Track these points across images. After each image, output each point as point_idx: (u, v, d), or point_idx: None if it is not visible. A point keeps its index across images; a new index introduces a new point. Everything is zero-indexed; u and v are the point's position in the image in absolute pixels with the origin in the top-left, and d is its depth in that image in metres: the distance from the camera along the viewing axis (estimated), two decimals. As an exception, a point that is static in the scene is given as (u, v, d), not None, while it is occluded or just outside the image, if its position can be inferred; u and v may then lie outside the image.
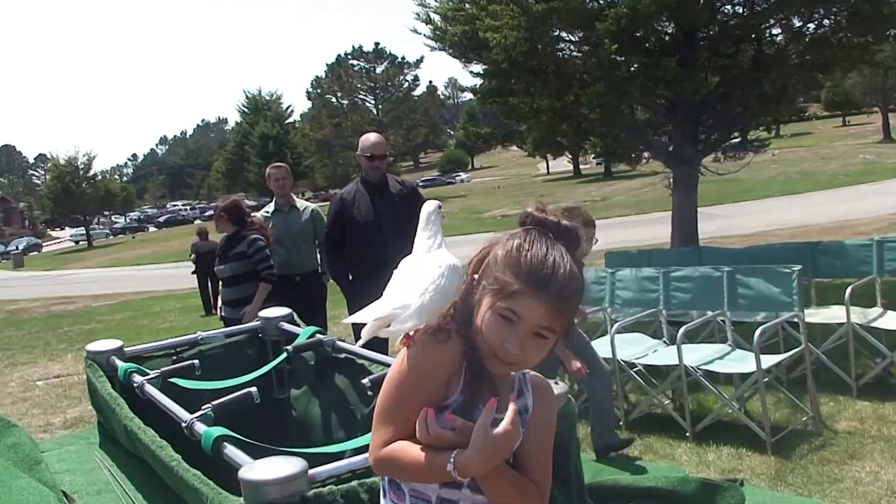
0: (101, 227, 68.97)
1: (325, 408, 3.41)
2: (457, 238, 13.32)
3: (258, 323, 3.92)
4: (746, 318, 5.09)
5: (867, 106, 52.30)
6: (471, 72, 9.11)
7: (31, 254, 52.67)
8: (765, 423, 4.09)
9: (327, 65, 70.41)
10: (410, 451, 1.33)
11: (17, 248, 50.29)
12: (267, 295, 5.00)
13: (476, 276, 1.38)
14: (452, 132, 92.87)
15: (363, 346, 2.54)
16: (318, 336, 3.48)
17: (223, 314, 5.28)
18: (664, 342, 5.03)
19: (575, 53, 8.40)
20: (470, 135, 68.47)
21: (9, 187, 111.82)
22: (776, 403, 4.59)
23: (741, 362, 4.45)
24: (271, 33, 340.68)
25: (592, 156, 44.23)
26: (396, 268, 1.50)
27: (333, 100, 68.28)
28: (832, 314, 5.18)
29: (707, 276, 5.07)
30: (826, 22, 7.64)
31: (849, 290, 4.84)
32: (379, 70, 67.52)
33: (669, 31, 7.97)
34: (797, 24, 7.95)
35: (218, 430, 2.32)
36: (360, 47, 68.29)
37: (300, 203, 5.95)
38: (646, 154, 9.95)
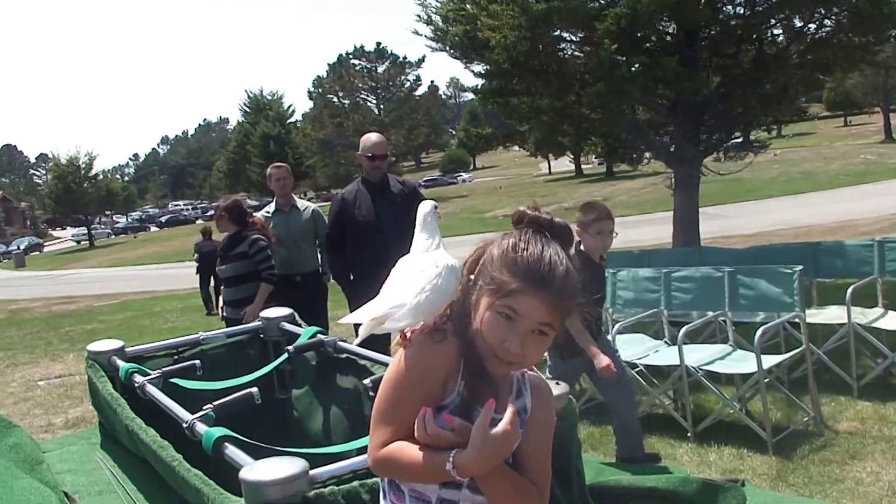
0: (102, 226, 69.04)
1: (326, 408, 3.41)
2: (458, 238, 13.32)
3: (259, 323, 3.92)
4: (747, 318, 5.09)
5: (868, 106, 52.24)
6: (472, 72, 9.12)
7: (33, 253, 52.73)
8: (766, 424, 4.09)
9: (329, 64, 70.46)
10: (409, 451, 1.33)
11: (19, 248, 50.38)
12: (268, 295, 5.01)
13: (472, 277, 1.38)
14: (454, 132, 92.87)
15: (362, 346, 2.55)
16: (320, 336, 3.48)
17: (225, 314, 5.29)
18: (665, 342, 5.03)
19: (576, 53, 8.40)
20: (471, 135, 68.72)
21: (10, 187, 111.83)
22: (777, 404, 4.59)
23: (742, 362, 4.45)
24: (273, 33, 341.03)
25: (594, 156, 44.23)
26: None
27: (335, 99, 68.26)
28: (833, 314, 5.18)
29: (708, 276, 5.07)
30: (827, 22, 7.64)
31: (850, 291, 4.84)
32: (380, 70, 67.48)
33: (670, 31, 7.97)
34: (798, 24, 7.95)
35: (219, 431, 2.32)
36: (362, 47, 68.31)
37: (301, 203, 5.95)
38: (647, 154, 9.95)
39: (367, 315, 1.41)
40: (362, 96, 68.67)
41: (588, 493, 2.67)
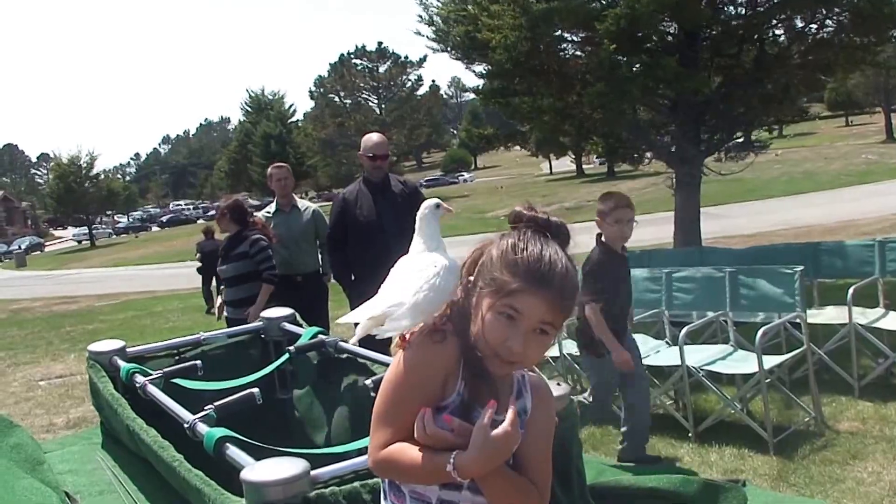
0: (103, 226, 69.03)
1: (327, 408, 3.41)
2: (460, 238, 13.29)
3: (260, 323, 3.92)
4: (748, 318, 5.08)
5: (870, 106, 52.19)
6: (473, 72, 9.13)
7: (34, 253, 52.74)
8: (767, 424, 4.09)
9: (330, 64, 70.37)
10: (410, 452, 1.33)
11: (20, 248, 50.43)
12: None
13: (471, 279, 1.38)
14: (455, 132, 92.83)
15: (360, 345, 2.55)
16: (321, 336, 3.48)
17: (226, 314, 5.29)
18: (666, 343, 5.02)
19: (577, 53, 8.41)
20: (473, 135, 68.65)
21: (11, 186, 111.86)
22: (778, 404, 4.59)
23: (743, 363, 4.45)
24: (274, 33, 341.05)
25: (595, 156, 44.20)
26: (397, 267, 1.50)
27: (336, 99, 68.22)
28: (834, 315, 5.18)
29: (709, 276, 5.07)
30: (828, 22, 7.64)
31: (851, 291, 4.84)
32: (382, 69, 67.44)
33: (671, 31, 7.97)
34: (800, 24, 7.96)
35: (220, 431, 2.32)
36: (363, 47, 68.28)
37: (301, 203, 5.96)
38: (648, 154, 9.94)
39: (364, 314, 1.41)
40: (364, 96, 68.63)
41: (589, 493, 2.67)
